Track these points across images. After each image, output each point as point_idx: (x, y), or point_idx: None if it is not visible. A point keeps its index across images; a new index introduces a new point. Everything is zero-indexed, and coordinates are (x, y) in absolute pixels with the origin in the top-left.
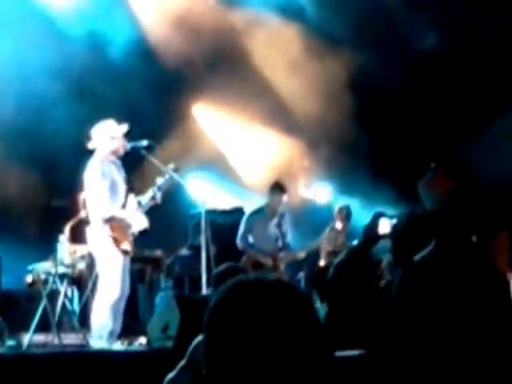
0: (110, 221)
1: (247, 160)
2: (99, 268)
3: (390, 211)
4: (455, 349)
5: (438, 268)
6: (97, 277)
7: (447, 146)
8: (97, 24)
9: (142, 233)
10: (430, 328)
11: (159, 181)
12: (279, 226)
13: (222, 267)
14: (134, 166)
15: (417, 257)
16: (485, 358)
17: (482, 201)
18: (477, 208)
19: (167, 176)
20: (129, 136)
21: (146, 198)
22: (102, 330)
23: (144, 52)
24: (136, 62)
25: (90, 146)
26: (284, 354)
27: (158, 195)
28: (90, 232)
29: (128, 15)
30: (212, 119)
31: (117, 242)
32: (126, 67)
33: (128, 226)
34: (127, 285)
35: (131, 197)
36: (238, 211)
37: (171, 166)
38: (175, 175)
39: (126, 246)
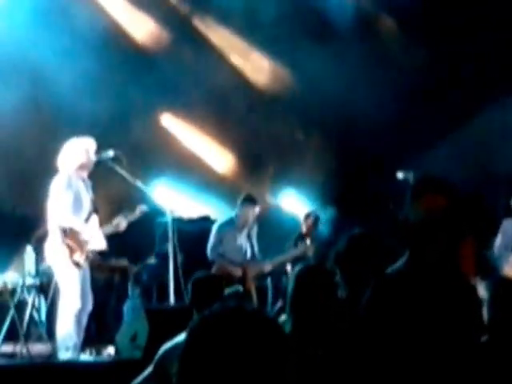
0: (68, 230)
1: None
2: (58, 280)
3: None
4: (427, 360)
5: (412, 280)
6: (57, 287)
7: (406, 155)
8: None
9: (101, 252)
10: (404, 339)
11: (128, 214)
12: (248, 237)
13: (199, 275)
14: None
15: (389, 269)
16: (456, 370)
17: (458, 212)
18: (455, 221)
19: (137, 212)
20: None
21: (110, 226)
22: (67, 342)
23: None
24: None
25: (59, 162)
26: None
27: (123, 224)
28: (47, 243)
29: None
30: (180, 128)
31: (71, 251)
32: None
33: (84, 241)
34: (89, 298)
35: (95, 217)
36: (205, 219)
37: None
38: (143, 187)
39: (79, 257)
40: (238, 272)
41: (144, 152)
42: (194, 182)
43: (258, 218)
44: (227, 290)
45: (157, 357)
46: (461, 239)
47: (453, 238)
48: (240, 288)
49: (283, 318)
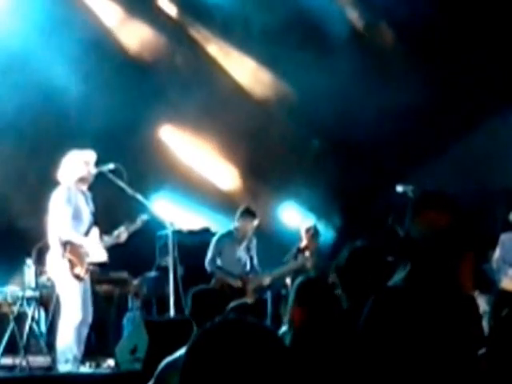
0: (68, 244)
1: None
2: (59, 292)
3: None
4: (426, 373)
5: (412, 294)
6: (58, 299)
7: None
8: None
9: (101, 265)
10: (403, 352)
11: (129, 224)
12: (247, 249)
13: (199, 288)
14: None
15: (389, 283)
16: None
17: (459, 227)
18: (456, 236)
19: (139, 221)
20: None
21: (110, 237)
22: (67, 354)
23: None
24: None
25: (59, 175)
26: None
27: (124, 235)
28: (48, 256)
29: None
30: (179, 141)
31: (72, 264)
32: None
33: (85, 254)
34: (89, 310)
35: (95, 229)
36: (205, 232)
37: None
38: (143, 199)
39: (80, 270)
40: (237, 284)
41: (144, 165)
42: (194, 194)
43: (258, 231)
44: (234, 303)
45: (157, 371)
46: (461, 254)
47: (454, 252)
48: (248, 301)
49: (283, 329)
